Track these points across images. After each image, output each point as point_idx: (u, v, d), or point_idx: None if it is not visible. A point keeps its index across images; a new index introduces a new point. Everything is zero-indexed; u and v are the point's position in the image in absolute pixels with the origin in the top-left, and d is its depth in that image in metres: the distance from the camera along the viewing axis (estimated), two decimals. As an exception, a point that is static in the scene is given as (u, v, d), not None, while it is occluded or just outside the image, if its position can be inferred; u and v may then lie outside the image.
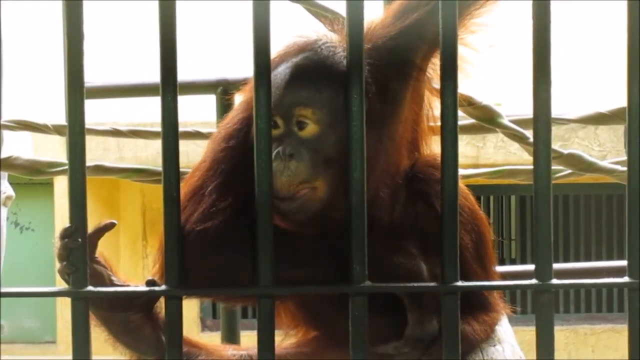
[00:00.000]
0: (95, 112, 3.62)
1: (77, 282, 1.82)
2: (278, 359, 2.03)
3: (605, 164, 3.83)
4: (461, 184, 2.16)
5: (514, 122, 3.49)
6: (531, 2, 1.80)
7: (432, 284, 2.01)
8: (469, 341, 2.28)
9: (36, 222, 12.91)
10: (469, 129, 3.68)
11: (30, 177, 4.15)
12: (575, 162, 3.66)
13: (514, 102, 5.49)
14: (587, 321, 12.06)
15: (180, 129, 1.87)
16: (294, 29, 2.32)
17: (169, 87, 1.80)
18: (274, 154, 2.07)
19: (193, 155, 3.12)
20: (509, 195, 12.43)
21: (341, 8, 2.34)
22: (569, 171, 3.73)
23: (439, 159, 1.84)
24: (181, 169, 1.85)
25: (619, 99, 2.63)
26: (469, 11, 2.23)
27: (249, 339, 2.81)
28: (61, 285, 1.90)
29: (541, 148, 1.81)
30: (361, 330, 1.80)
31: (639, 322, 1.82)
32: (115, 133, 4.37)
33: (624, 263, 1.87)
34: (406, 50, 2.23)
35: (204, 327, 11.92)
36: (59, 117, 3.72)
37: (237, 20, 6.83)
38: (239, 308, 4.44)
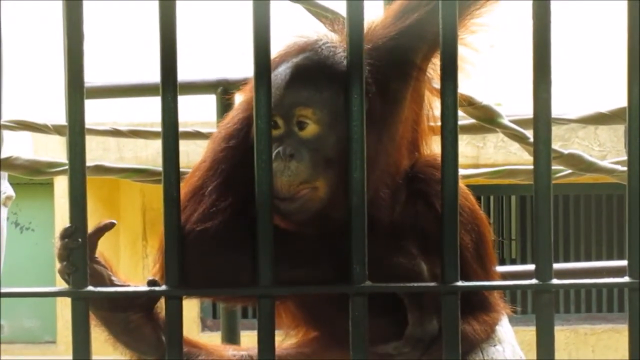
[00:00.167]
0: (95, 112, 3.62)
1: (77, 282, 1.82)
2: (278, 359, 2.03)
3: (606, 164, 3.83)
4: (461, 184, 2.16)
5: (514, 122, 3.49)
6: (531, 2, 1.80)
7: (432, 284, 2.01)
8: (469, 341, 2.28)
9: (36, 222, 12.90)
10: (469, 129, 3.68)
11: (30, 177, 4.14)
12: (576, 162, 3.66)
13: (514, 102, 5.49)
14: (587, 321, 12.05)
15: (181, 129, 1.87)
16: (294, 29, 2.32)
17: (169, 87, 1.80)
18: (274, 154, 2.07)
19: (193, 155, 3.12)
20: (509, 195, 12.42)
21: (341, 8, 2.34)
22: (569, 171, 3.73)
23: (439, 159, 1.84)
24: (181, 169, 1.85)
25: (619, 99, 2.62)
26: (469, 11, 2.23)
27: (249, 339, 2.81)
28: (61, 285, 1.90)
29: (541, 148, 1.81)
30: (361, 330, 1.80)
31: (639, 322, 1.82)
32: (115, 133, 4.37)
33: (624, 263, 1.87)
34: (406, 51, 2.23)
35: (204, 327, 11.91)
36: (59, 117, 3.72)
37: (237, 20, 6.83)
38: (239, 308, 4.43)
